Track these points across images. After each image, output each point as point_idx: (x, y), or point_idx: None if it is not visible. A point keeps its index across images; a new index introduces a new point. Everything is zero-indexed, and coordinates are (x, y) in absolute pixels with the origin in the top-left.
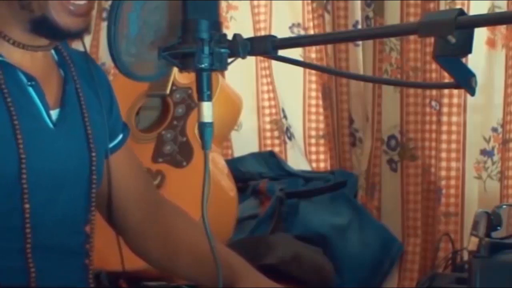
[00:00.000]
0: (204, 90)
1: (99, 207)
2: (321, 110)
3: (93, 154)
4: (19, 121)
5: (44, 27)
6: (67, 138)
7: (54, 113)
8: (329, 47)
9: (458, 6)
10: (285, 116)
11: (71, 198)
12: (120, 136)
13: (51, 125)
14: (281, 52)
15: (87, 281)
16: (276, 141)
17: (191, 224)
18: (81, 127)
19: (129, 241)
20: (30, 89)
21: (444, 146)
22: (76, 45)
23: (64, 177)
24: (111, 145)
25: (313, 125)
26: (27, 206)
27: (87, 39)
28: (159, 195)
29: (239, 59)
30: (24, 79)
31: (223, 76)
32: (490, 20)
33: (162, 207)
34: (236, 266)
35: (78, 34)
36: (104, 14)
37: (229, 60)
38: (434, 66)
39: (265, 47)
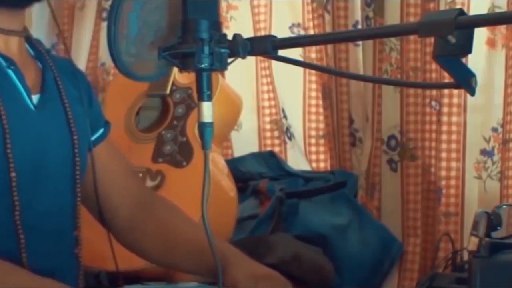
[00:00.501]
0: (204, 90)
1: (87, 204)
2: (321, 110)
3: (75, 137)
4: (2, 99)
5: None
6: (48, 122)
7: (35, 98)
8: (329, 47)
9: (458, 6)
10: (285, 116)
11: (56, 180)
12: (101, 130)
13: (32, 108)
14: (281, 52)
15: (78, 274)
16: (276, 141)
17: (185, 218)
18: (61, 112)
19: (120, 237)
20: (10, 72)
21: (444, 146)
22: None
23: (48, 158)
24: (92, 138)
25: (313, 125)
26: (13, 174)
27: (87, 39)
28: (149, 191)
29: (239, 59)
30: (3, 62)
31: (223, 76)
32: (490, 20)
33: (153, 203)
34: (227, 252)
35: None
36: (104, 14)
37: (229, 60)
38: (434, 66)
39: (265, 47)
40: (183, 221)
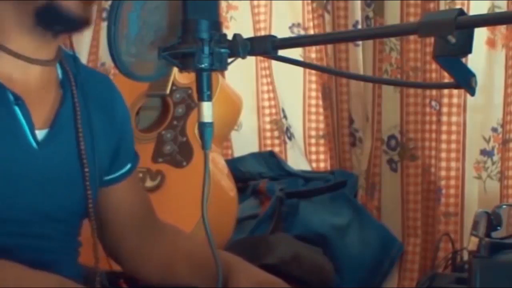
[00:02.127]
0: (204, 90)
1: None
2: (321, 110)
3: (86, 169)
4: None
5: (48, 16)
6: (52, 158)
7: (41, 133)
8: (329, 47)
9: (458, 6)
10: (285, 116)
11: (55, 214)
12: (128, 166)
13: (34, 145)
14: (281, 52)
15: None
16: (276, 141)
17: (183, 235)
18: (73, 145)
19: (124, 263)
20: (16, 108)
21: (444, 146)
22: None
23: (52, 198)
24: (117, 173)
25: (313, 125)
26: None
27: (87, 39)
28: (154, 215)
29: (239, 59)
30: (11, 98)
31: (223, 76)
32: (490, 20)
33: (157, 227)
34: (230, 261)
35: (81, 23)
36: (104, 14)
37: (229, 60)
38: (434, 66)
39: (265, 47)
40: (184, 239)
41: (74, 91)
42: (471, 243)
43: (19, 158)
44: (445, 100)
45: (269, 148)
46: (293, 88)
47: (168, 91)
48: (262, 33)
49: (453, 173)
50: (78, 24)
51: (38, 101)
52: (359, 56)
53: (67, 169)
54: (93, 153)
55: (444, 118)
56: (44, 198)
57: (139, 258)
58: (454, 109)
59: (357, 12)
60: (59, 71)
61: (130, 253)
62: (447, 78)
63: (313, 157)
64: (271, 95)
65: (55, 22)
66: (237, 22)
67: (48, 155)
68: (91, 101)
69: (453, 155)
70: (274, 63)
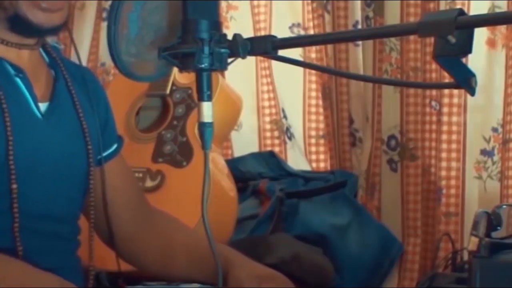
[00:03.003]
0: (204, 90)
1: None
2: (321, 110)
3: (89, 147)
4: (8, 106)
5: (18, 25)
6: (57, 130)
7: (43, 106)
8: (329, 47)
9: (458, 6)
10: (285, 116)
11: (62, 189)
12: (115, 146)
13: (39, 116)
14: (281, 52)
15: (80, 274)
16: (276, 141)
17: (182, 227)
18: (74, 122)
19: (121, 251)
20: (18, 80)
21: (444, 146)
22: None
23: (54, 168)
24: (106, 152)
25: (313, 125)
26: (14, 186)
27: (87, 39)
28: (149, 203)
29: (239, 59)
30: (12, 70)
31: (223, 76)
32: (490, 20)
33: (153, 216)
34: (229, 256)
35: (53, 30)
36: (104, 14)
37: (229, 60)
38: (434, 66)
39: (265, 47)
40: (182, 231)
41: (64, 71)
42: (471, 243)
43: (27, 129)
44: (445, 100)
45: (269, 148)
46: (293, 88)
47: (168, 91)
48: (262, 33)
49: (453, 173)
50: (46, 31)
51: (33, 77)
52: (359, 56)
53: (71, 143)
54: (90, 132)
55: (444, 118)
56: (52, 171)
57: (136, 246)
58: (454, 109)
59: (357, 12)
60: (45, 55)
61: (127, 239)
62: (447, 78)
63: (313, 157)
64: (271, 95)
65: (24, 30)
66: (237, 22)
67: (52, 127)
68: (77, 85)
69: (453, 155)
70: (274, 63)
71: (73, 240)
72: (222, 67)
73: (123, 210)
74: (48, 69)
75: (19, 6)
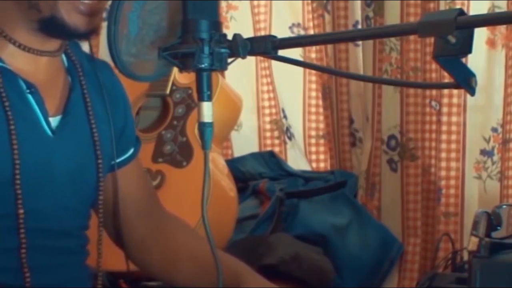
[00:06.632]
0: (204, 90)
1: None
2: (321, 110)
3: (100, 161)
4: (16, 126)
5: (52, 27)
6: (67, 145)
7: (54, 120)
8: (329, 47)
9: (458, 6)
10: (285, 116)
11: (71, 205)
12: (131, 150)
13: (49, 132)
14: (281, 52)
15: (89, 283)
16: (276, 141)
17: (190, 232)
18: (86, 134)
19: (132, 255)
20: (29, 96)
21: (444, 146)
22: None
23: (63, 184)
24: (121, 158)
25: (313, 125)
26: (21, 211)
27: None
28: (161, 206)
29: (239, 59)
30: (24, 86)
31: (223, 76)
32: (490, 20)
33: (164, 219)
34: (240, 269)
35: (87, 35)
36: (104, 14)
37: (229, 60)
38: (434, 66)
39: (265, 47)
40: (191, 237)
41: (81, 78)
42: (471, 243)
43: (35, 147)
44: (445, 100)
45: (269, 148)
46: (293, 88)
47: (168, 91)
48: (262, 33)
49: (453, 173)
50: (81, 36)
51: (48, 89)
52: (359, 56)
53: (81, 157)
54: (101, 142)
55: (444, 118)
56: (61, 188)
57: (143, 248)
58: (454, 109)
59: (357, 12)
60: (65, 59)
61: (136, 241)
62: (447, 78)
63: (313, 157)
64: (271, 95)
65: (58, 32)
66: (237, 22)
67: (63, 142)
68: (95, 87)
69: (453, 155)
70: (274, 63)
71: (81, 252)
72: (222, 67)
73: (134, 216)
74: (66, 75)
75: (57, 8)
